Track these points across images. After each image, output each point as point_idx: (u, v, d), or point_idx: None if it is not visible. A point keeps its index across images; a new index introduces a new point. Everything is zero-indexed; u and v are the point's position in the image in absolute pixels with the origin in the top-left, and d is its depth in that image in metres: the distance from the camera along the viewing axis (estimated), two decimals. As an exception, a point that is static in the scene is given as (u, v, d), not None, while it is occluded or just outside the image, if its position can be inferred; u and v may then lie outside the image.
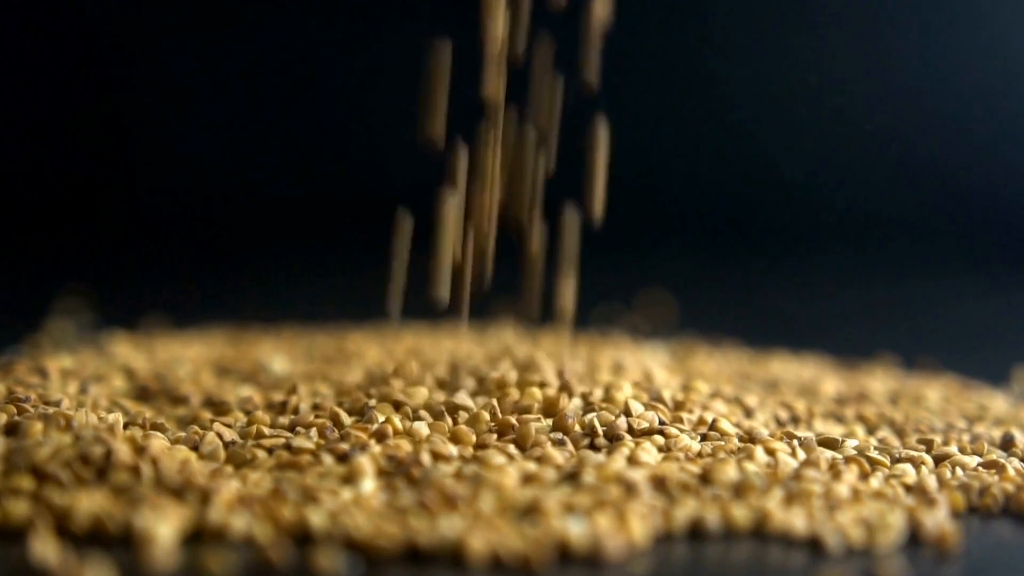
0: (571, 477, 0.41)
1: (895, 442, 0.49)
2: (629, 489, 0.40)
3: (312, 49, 1.11)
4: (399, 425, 0.44)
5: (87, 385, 0.53)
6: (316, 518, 0.37)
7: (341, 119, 1.10)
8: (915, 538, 0.39)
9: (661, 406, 0.47)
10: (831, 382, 0.60)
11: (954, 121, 1.12)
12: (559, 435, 0.44)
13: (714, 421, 0.47)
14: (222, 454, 0.43)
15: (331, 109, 1.11)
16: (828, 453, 0.45)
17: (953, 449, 0.48)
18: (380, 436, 0.43)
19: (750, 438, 0.46)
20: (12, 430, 0.42)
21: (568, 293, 0.53)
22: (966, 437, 0.50)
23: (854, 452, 0.46)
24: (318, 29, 1.10)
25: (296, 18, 1.10)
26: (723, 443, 0.45)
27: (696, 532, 0.39)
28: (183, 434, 0.45)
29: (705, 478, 0.41)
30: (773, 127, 1.12)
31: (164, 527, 0.36)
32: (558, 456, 0.42)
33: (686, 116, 1.11)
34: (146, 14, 1.09)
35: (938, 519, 0.40)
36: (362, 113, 1.09)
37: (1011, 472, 0.45)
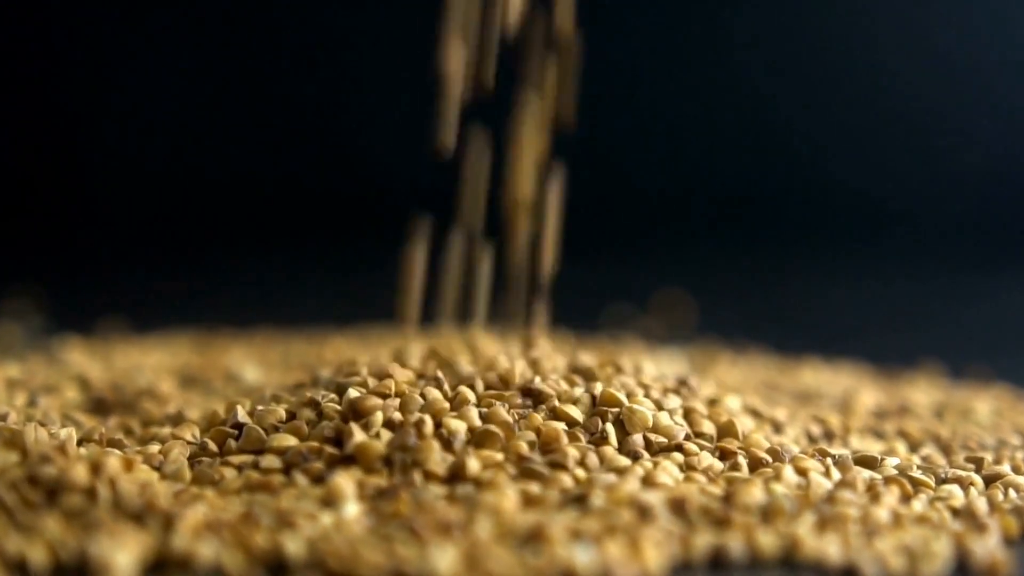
0: (578, 500, 0.41)
1: (941, 460, 0.49)
2: (643, 513, 0.40)
3: (285, 42, 1.11)
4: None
5: (36, 396, 0.53)
6: (292, 545, 0.37)
7: (315, 113, 1.11)
8: (963, 567, 0.39)
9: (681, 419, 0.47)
10: (869, 393, 0.60)
11: (999, 111, 1.13)
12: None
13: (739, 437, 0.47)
14: (187, 474, 0.43)
15: (306, 102, 1.11)
16: (866, 473, 0.45)
17: (1006, 468, 0.48)
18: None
19: (779, 456, 0.46)
20: (-48, 447, 0.42)
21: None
22: (1020, 455, 0.50)
23: (895, 472, 0.46)
24: (282, 19, 1.11)
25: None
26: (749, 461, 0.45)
27: (718, 561, 0.39)
28: (144, 451, 0.45)
29: (728, 500, 0.41)
30: (798, 118, 1.13)
31: (123, 555, 0.36)
32: (564, 477, 0.42)
33: (707, 106, 1.12)
34: (103, 6, 1.09)
35: (989, 546, 0.40)
36: (339, 108, 1.10)
37: (1071, 494, 0.45)
